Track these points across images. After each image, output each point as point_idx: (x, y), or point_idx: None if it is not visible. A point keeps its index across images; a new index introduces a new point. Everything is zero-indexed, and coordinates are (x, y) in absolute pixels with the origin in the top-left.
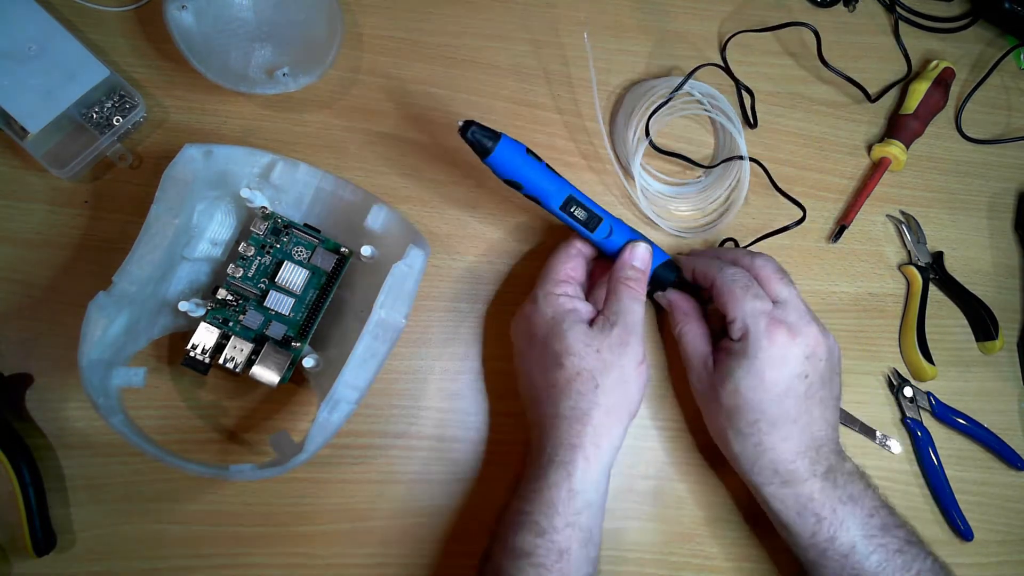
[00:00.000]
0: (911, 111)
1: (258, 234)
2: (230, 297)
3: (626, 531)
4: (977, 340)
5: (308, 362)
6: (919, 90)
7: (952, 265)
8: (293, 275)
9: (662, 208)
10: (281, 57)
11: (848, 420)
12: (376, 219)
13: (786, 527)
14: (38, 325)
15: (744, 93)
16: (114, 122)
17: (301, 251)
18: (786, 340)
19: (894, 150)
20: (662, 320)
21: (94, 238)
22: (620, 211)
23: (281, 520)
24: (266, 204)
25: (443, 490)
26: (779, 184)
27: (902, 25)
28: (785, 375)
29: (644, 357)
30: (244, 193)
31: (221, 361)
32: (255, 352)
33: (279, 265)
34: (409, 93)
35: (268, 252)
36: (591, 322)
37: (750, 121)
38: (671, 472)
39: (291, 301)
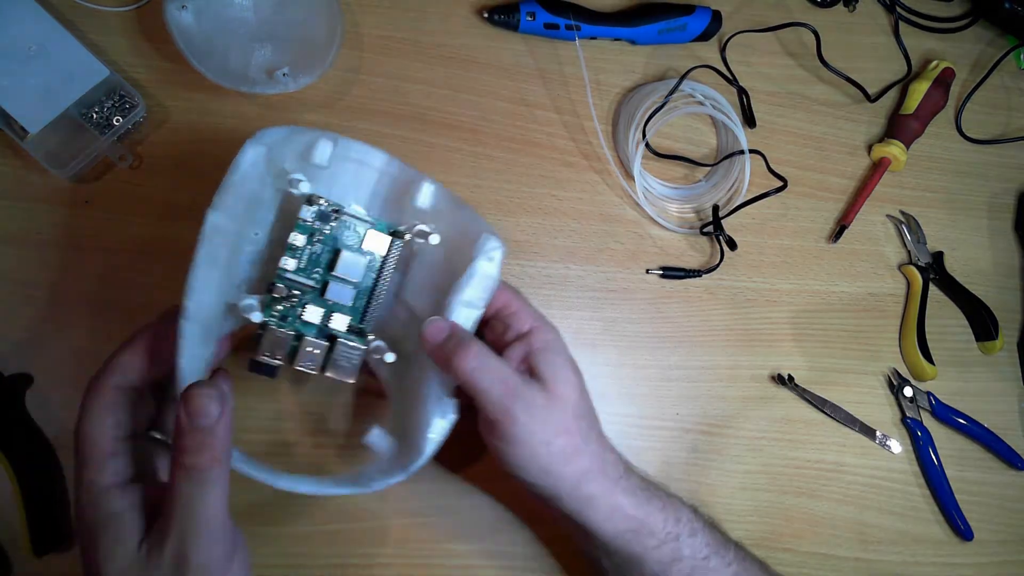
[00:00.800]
0: (911, 111)
1: (306, 222)
2: (286, 293)
3: None
4: (977, 340)
5: (389, 357)
6: (919, 90)
7: (952, 265)
8: (352, 263)
9: (662, 209)
10: (281, 57)
11: (848, 420)
12: (426, 198)
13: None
14: (38, 325)
15: (740, 92)
16: (114, 122)
17: (352, 236)
18: None
19: (894, 150)
20: None
21: (94, 238)
22: (621, 211)
23: (281, 520)
24: (311, 190)
25: (443, 490)
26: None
27: (902, 25)
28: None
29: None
30: (300, 186)
31: (296, 364)
32: (328, 353)
33: (334, 254)
34: (409, 93)
35: (319, 240)
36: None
37: (749, 120)
38: (670, 473)
39: (352, 291)
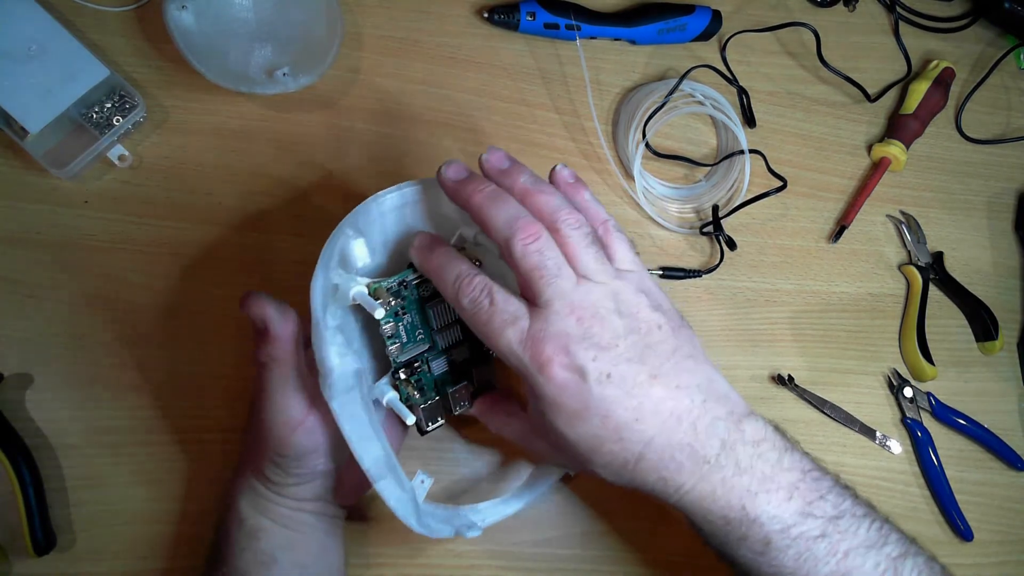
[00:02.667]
0: (911, 111)
1: (385, 313)
2: (409, 370)
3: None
4: (977, 340)
5: None
6: (919, 90)
7: (952, 265)
8: (444, 311)
9: (662, 209)
10: (281, 57)
11: (848, 420)
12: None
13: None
14: (38, 325)
15: (740, 92)
16: (114, 122)
17: (427, 287)
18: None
19: (894, 150)
20: None
21: (94, 238)
22: (621, 211)
23: None
24: (365, 289)
25: (443, 490)
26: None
27: (902, 25)
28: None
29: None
30: (359, 299)
31: (456, 411)
32: (461, 391)
33: (422, 311)
34: (409, 93)
35: (403, 312)
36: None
37: (749, 120)
38: None
39: (458, 326)
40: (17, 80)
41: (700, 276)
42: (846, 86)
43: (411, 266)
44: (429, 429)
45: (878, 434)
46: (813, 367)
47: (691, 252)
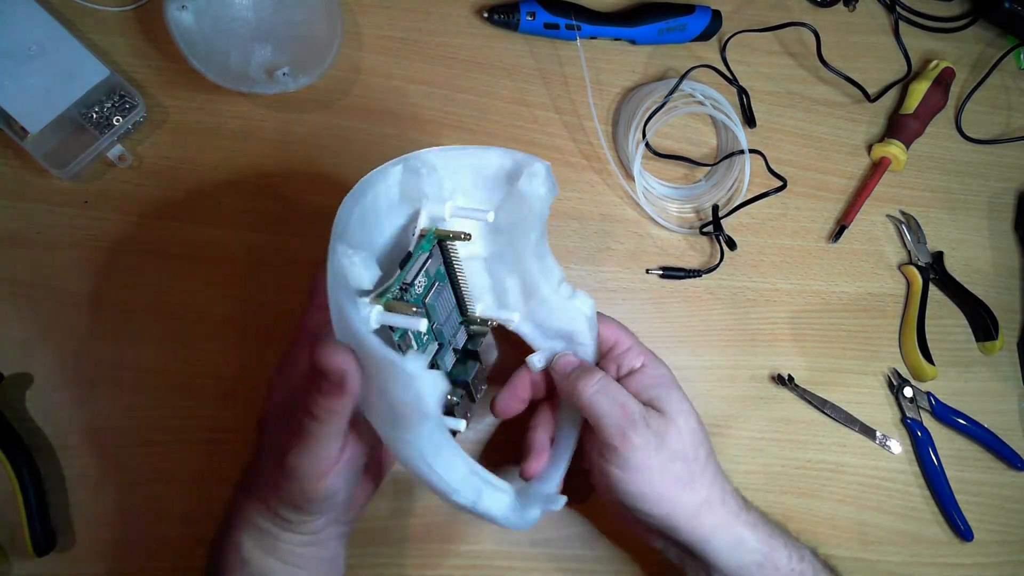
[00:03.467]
0: (911, 111)
1: (401, 332)
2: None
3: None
4: (977, 340)
5: (516, 316)
6: (919, 90)
7: (952, 265)
8: (443, 304)
9: (662, 209)
10: (281, 57)
11: (848, 420)
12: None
13: None
14: (38, 325)
15: (740, 92)
16: (114, 122)
17: (422, 282)
18: None
19: (894, 150)
20: None
21: (94, 238)
22: (621, 211)
23: None
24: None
25: None
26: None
27: (902, 25)
28: None
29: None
30: (390, 322)
31: (477, 399)
32: (478, 374)
33: (427, 313)
34: (409, 93)
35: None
36: None
37: (749, 120)
38: None
39: (455, 313)
40: (17, 80)
41: (700, 276)
42: (846, 86)
43: (402, 263)
44: (462, 423)
45: (878, 434)
46: (813, 367)
47: (691, 252)
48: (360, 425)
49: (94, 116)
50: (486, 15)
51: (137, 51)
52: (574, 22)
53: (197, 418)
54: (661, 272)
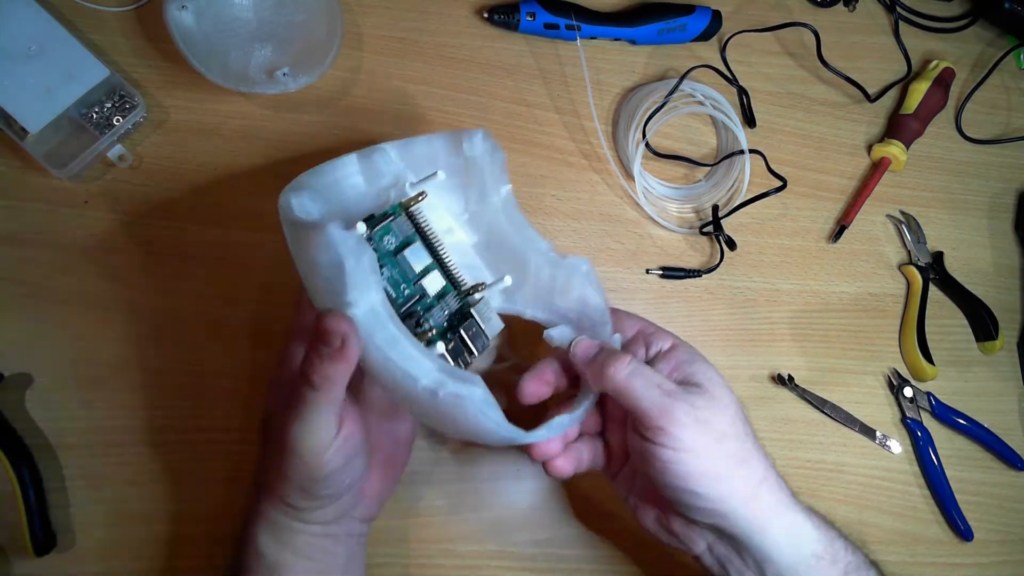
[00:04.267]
0: (911, 111)
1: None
2: (417, 322)
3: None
4: (977, 340)
5: (507, 281)
6: (919, 90)
7: (952, 265)
8: (415, 257)
9: (662, 209)
10: (281, 57)
11: (848, 420)
12: (388, 161)
13: None
14: (38, 325)
15: (740, 92)
16: (114, 122)
17: (391, 240)
18: None
19: (894, 150)
20: None
21: (94, 238)
22: (621, 211)
23: None
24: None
25: (443, 490)
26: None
27: (902, 25)
28: None
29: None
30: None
31: (477, 351)
32: (473, 327)
33: (400, 265)
34: (409, 93)
35: (383, 267)
36: None
37: (749, 120)
38: None
39: (437, 274)
40: (17, 80)
41: (700, 276)
42: (846, 86)
43: (366, 220)
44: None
45: (878, 434)
46: (813, 367)
47: (691, 252)
48: (356, 408)
49: (94, 116)
50: (486, 15)
51: (137, 51)
52: (574, 22)
53: (197, 418)
54: (661, 272)
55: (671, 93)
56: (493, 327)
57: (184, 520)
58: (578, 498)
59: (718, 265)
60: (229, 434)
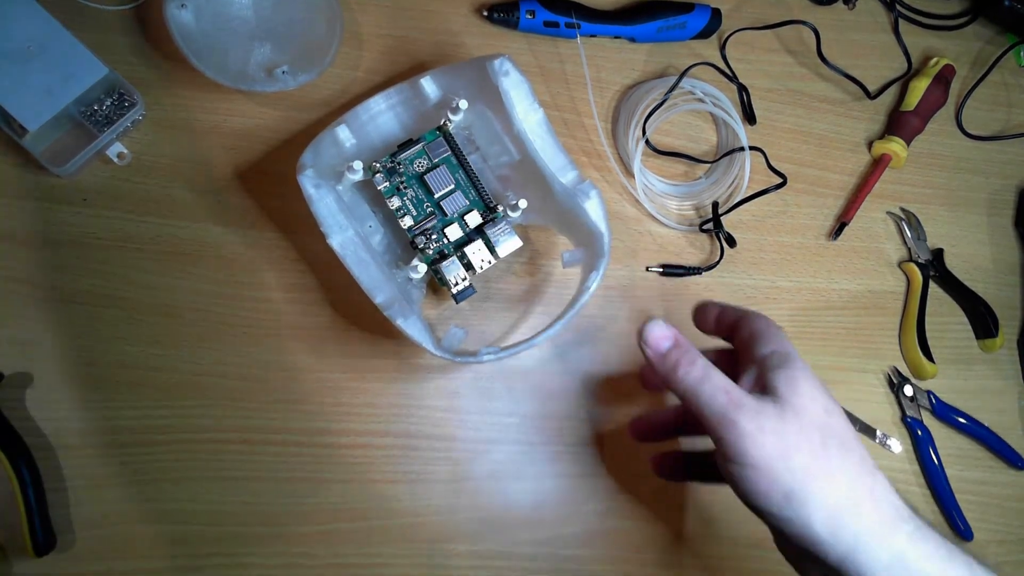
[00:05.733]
0: (911, 108)
1: (387, 187)
2: (425, 238)
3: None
4: (977, 338)
5: (523, 204)
6: (919, 87)
7: (952, 262)
8: (439, 177)
9: (662, 206)
10: (280, 55)
11: (848, 419)
12: (431, 88)
13: None
14: (38, 325)
15: (740, 89)
16: (113, 120)
17: (421, 163)
18: None
19: (894, 147)
20: None
21: (93, 236)
22: (621, 208)
23: (281, 520)
24: (363, 164)
25: (443, 490)
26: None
27: (902, 22)
28: None
29: None
30: (356, 172)
31: (479, 269)
32: (486, 243)
33: (423, 183)
34: None
35: (405, 187)
36: None
37: (749, 117)
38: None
39: (459, 193)
40: (16, 78)
41: (700, 273)
42: (846, 83)
43: (400, 147)
44: (456, 289)
45: (878, 433)
46: (813, 365)
47: (691, 249)
48: None
49: (93, 114)
50: (486, 13)
51: (136, 49)
52: (574, 20)
53: (197, 418)
54: (661, 270)
55: (671, 90)
56: (509, 245)
57: (184, 520)
58: (578, 498)
59: (718, 262)
60: (229, 434)
